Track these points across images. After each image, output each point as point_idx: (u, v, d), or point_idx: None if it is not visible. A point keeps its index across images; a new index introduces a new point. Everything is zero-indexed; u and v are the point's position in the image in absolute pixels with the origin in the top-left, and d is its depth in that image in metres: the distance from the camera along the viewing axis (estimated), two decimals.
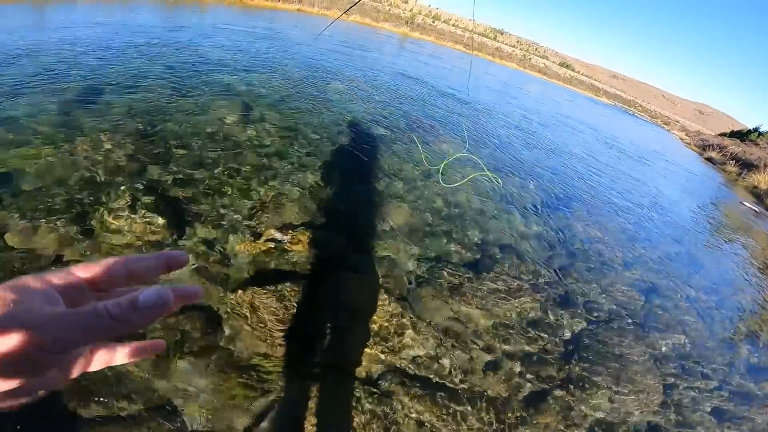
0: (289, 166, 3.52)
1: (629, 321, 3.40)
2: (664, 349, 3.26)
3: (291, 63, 7.65)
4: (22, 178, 2.43)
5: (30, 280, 0.29)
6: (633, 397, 2.60)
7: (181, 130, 3.53)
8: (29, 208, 2.23)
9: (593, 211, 5.16)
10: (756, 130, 33.56)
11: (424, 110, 7.08)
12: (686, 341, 3.46)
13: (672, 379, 2.97)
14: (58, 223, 2.19)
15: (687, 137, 32.58)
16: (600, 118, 20.41)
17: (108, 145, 3.00)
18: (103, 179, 2.66)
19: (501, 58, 33.71)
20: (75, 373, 0.33)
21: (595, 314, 3.30)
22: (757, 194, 13.78)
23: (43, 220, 2.18)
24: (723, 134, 36.93)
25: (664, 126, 44.53)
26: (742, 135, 33.46)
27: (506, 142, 7.19)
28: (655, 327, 3.49)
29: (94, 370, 0.34)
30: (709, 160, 20.06)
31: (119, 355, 0.36)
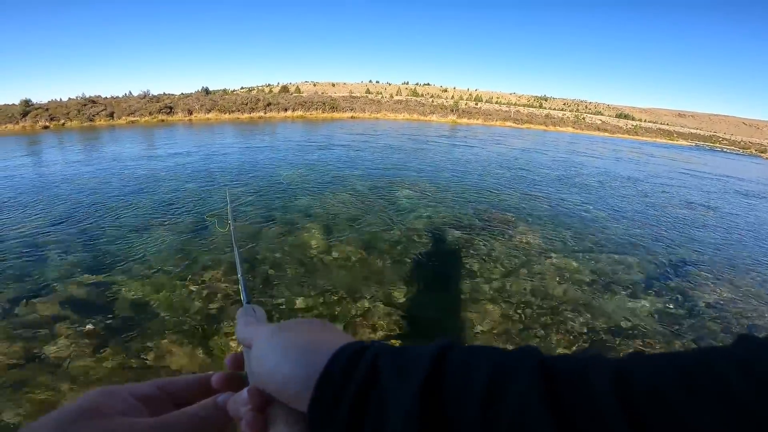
0: (374, 283, 3.50)
1: None
2: None
3: (355, 172, 7.86)
4: (154, 306, 2.93)
5: (115, 389, 0.30)
6: None
7: (275, 258, 3.82)
8: (162, 332, 2.65)
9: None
10: None
11: (498, 203, 6.30)
12: None
13: None
14: (186, 345, 2.55)
15: None
16: (690, 164, 17.95)
17: (219, 278, 3.35)
18: (215, 306, 2.98)
19: (554, 125, 32.99)
20: None
21: None
22: None
23: (175, 343, 2.57)
24: None
25: (762, 155, 38.96)
26: None
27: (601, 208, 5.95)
28: None
29: None
30: None
31: None
